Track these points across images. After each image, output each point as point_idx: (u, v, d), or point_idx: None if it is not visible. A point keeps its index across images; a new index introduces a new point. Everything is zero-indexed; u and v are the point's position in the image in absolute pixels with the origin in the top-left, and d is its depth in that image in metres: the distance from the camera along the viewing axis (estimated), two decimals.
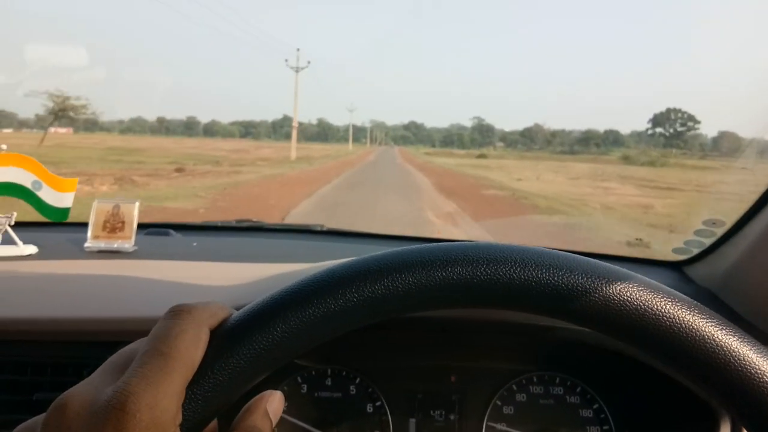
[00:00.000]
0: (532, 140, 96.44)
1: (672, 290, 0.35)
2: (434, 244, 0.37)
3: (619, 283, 0.33)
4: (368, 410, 0.73)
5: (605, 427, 0.73)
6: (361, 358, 0.75)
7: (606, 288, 0.33)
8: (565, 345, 0.72)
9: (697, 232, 0.83)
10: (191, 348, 0.30)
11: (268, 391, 0.36)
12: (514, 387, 0.75)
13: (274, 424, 0.35)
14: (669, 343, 0.33)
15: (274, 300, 0.34)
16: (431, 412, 0.73)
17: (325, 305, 0.33)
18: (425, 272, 0.34)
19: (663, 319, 0.33)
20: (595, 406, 0.74)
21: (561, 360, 0.75)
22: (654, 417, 0.72)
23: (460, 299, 0.35)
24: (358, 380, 0.74)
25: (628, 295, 0.33)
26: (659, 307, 0.33)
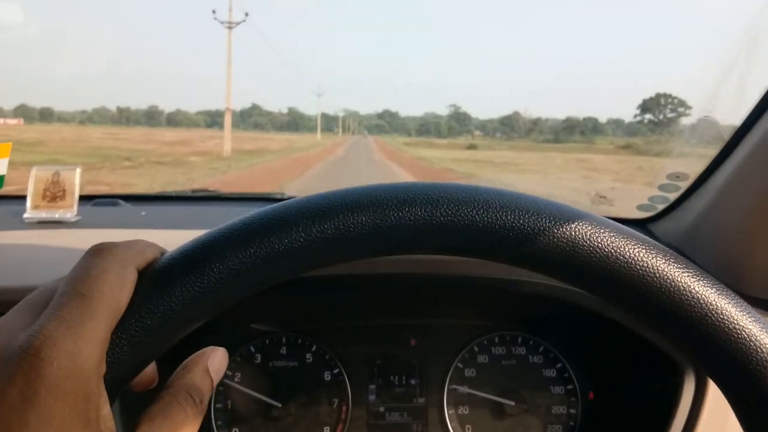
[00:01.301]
0: (512, 128, 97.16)
1: (644, 236, 0.33)
2: (393, 183, 0.35)
3: (587, 226, 0.32)
4: (326, 378, 0.74)
5: (569, 386, 0.75)
6: (317, 320, 0.75)
7: (574, 231, 0.31)
8: (526, 302, 0.73)
9: (662, 187, 0.85)
10: (115, 289, 0.28)
11: (210, 347, 0.35)
12: (476, 348, 0.76)
13: (215, 383, 0.33)
14: (640, 292, 0.31)
15: (211, 238, 0.31)
16: (391, 377, 0.74)
17: (268, 245, 0.31)
18: (380, 212, 0.32)
19: (633, 266, 0.31)
20: (559, 365, 0.76)
21: (523, 319, 0.77)
22: (617, 374, 0.74)
23: (417, 243, 0.33)
24: (314, 347, 0.74)
25: (597, 239, 0.31)
26: (630, 253, 0.31)
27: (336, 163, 18.90)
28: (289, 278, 0.33)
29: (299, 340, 0.75)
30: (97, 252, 0.30)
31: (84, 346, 0.26)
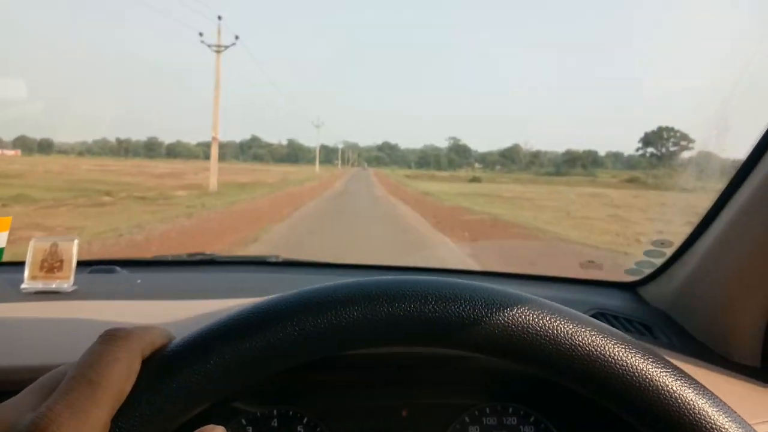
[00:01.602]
0: (513, 161, 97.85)
1: (569, 310, 0.37)
2: (382, 278, 0.37)
3: (525, 314, 0.35)
4: None
5: None
6: (308, 398, 0.76)
7: (511, 318, 0.35)
8: (516, 375, 0.75)
9: (647, 253, 0.88)
10: (122, 378, 0.30)
11: (210, 426, 0.35)
12: (467, 419, 0.76)
13: None
14: (573, 366, 0.35)
15: (210, 332, 0.34)
16: None
17: (263, 338, 0.33)
18: (370, 308, 0.34)
19: (562, 340, 0.35)
20: None
21: (513, 391, 0.78)
22: None
23: (410, 338, 0.36)
24: (305, 420, 0.75)
25: (531, 321, 0.35)
26: (558, 329, 0.35)
27: (333, 201, 16.38)
28: (282, 368, 0.35)
29: (290, 413, 0.75)
30: (111, 339, 0.31)
31: (86, 431, 0.27)
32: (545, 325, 0.35)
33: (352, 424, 0.75)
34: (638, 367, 0.35)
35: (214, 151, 21.46)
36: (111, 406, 0.29)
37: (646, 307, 0.89)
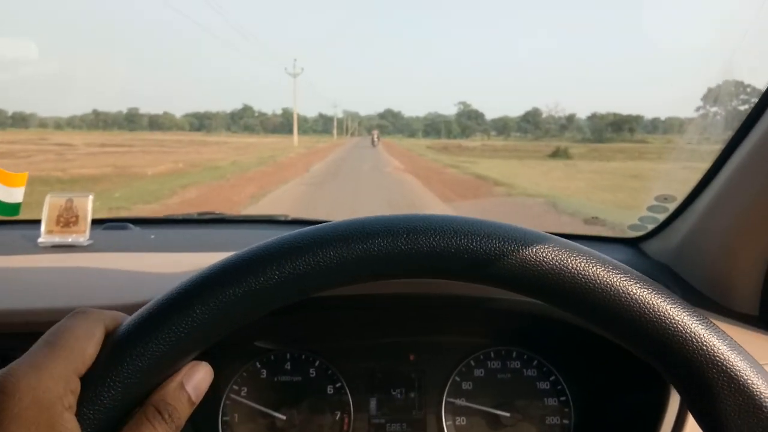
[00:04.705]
0: (536, 126, 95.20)
1: (589, 249, 0.41)
2: (354, 218, 0.42)
3: (535, 246, 0.39)
4: (329, 392, 0.86)
5: (562, 398, 0.87)
6: (320, 339, 0.87)
7: (522, 250, 0.38)
8: (518, 319, 0.85)
9: (650, 208, 0.97)
10: (81, 340, 0.36)
11: (191, 363, 0.40)
12: (472, 363, 0.88)
13: (194, 398, 0.39)
14: (588, 301, 0.39)
15: (164, 301, 0.38)
16: (391, 390, 0.86)
17: (236, 289, 0.38)
18: (345, 246, 0.38)
19: (579, 277, 0.38)
20: (552, 378, 0.88)
21: (518, 334, 0.88)
22: (609, 386, 0.85)
23: (383, 271, 0.40)
24: (317, 363, 0.87)
25: (544, 255, 0.39)
26: (574, 265, 0.38)
27: None
28: (266, 312, 0.40)
29: (303, 356, 0.87)
30: (73, 314, 0.39)
31: (43, 381, 0.33)
32: (546, 255, 0.39)
33: (361, 367, 0.87)
34: (647, 300, 0.38)
35: None
36: (70, 362, 0.35)
37: (649, 261, 0.98)
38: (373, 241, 0.39)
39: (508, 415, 0.84)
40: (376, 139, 42.68)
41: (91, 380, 0.35)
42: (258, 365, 0.86)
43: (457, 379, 0.87)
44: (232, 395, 0.85)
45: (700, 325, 0.38)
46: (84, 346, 0.36)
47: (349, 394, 0.86)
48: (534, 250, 0.39)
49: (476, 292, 0.78)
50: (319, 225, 0.41)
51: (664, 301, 0.38)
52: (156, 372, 0.37)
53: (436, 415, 0.85)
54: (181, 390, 0.38)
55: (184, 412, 0.38)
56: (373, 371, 0.87)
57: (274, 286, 0.38)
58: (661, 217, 0.97)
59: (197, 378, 0.40)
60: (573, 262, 0.39)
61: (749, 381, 0.37)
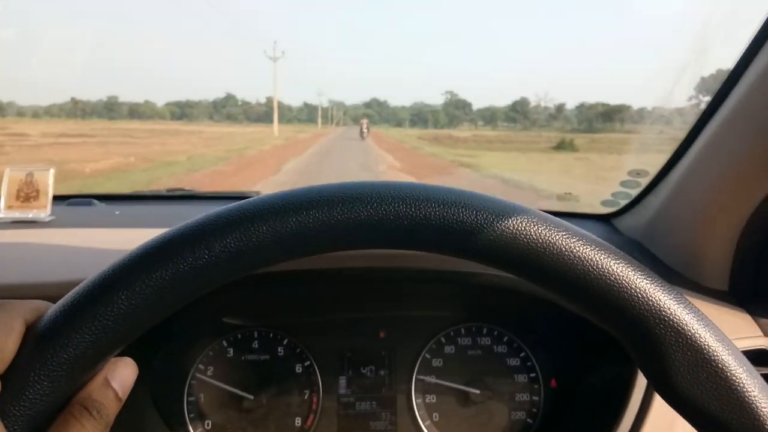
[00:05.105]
0: (525, 116, 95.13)
1: (563, 222, 0.40)
2: (340, 183, 0.40)
3: (510, 217, 0.38)
4: (297, 370, 0.86)
5: (532, 375, 0.87)
6: (288, 314, 0.87)
7: (497, 222, 0.37)
8: (489, 294, 0.85)
9: (623, 183, 0.98)
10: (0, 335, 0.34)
11: (114, 359, 0.39)
12: (443, 339, 0.88)
13: (121, 393, 0.38)
14: (560, 274, 0.38)
15: (89, 286, 0.36)
16: (361, 368, 0.86)
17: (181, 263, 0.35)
18: (279, 220, 0.36)
19: (552, 249, 0.37)
20: (522, 355, 0.88)
21: (488, 310, 0.89)
22: (578, 362, 0.86)
23: (364, 239, 0.38)
24: (285, 341, 0.86)
25: (518, 227, 0.38)
26: (548, 237, 0.37)
27: None
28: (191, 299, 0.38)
29: (271, 334, 0.87)
30: None
31: None
32: (515, 225, 0.38)
33: (331, 345, 0.87)
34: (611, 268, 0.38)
35: None
36: None
37: (620, 238, 0.99)
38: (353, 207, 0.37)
39: (478, 392, 0.85)
40: (365, 130, 34.64)
41: (13, 377, 0.34)
42: (224, 344, 0.86)
43: (428, 356, 0.87)
44: (198, 375, 0.84)
45: (645, 281, 0.37)
46: (3, 342, 0.34)
47: (318, 373, 0.86)
48: (508, 221, 0.38)
49: (441, 266, 0.78)
50: (258, 197, 0.39)
51: (612, 260, 0.38)
52: (82, 364, 0.35)
53: (406, 393, 0.86)
54: (107, 387, 0.37)
55: (111, 408, 0.37)
56: (342, 349, 0.87)
57: (204, 267, 0.35)
58: (634, 192, 0.98)
59: (122, 374, 0.38)
60: (548, 234, 0.38)
61: (696, 335, 0.36)
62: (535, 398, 0.87)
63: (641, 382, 0.75)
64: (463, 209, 0.38)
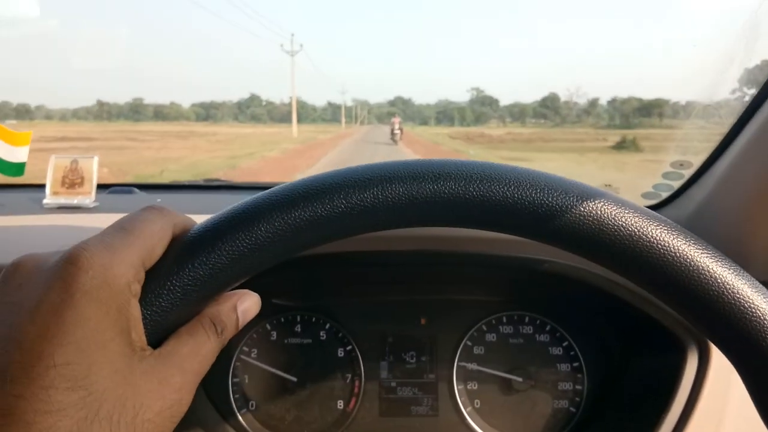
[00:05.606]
0: (556, 112, 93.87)
1: (664, 218, 0.39)
2: (427, 159, 0.40)
3: (612, 207, 0.37)
4: (339, 354, 0.87)
5: (575, 364, 0.88)
6: (333, 296, 0.89)
7: (599, 210, 0.37)
8: (533, 282, 0.86)
9: (665, 175, 0.97)
10: (155, 235, 0.36)
11: (243, 290, 0.41)
12: (484, 327, 0.89)
13: (242, 321, 0.41)
14: (660, 270, 0.37)
15: (239, 210, 0.39)
16: (402, 354, 0.87)
17: (307, 212, 0.37)
18: (416, 184, 0.38)
19: (655, 245, 0.37)
20: (565, 344, 0.88)
21: (530, 298, 0.89)
22: (623, 351, 0.86)
23: (451, 216, 0.39)
24: (327, 325, 0.88)
25: (622, 218, 0.37)
26: (651, 232, 0.37)
27: None
28: (314, 247, 0.40)
29: (313, 318, 0.88)
30: (149, 207, 0.40)
31: (117, 264, 0.33)
32: (590, 208, 0.38)
33: (373, 330, 0.88)
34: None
35: None
36: (141, 252, 0.35)
37: None
38: (446, 183, 0.38)
39: (520, 380, 0.85)
40: (397, 131, 28.07)
41: (154, 278, 0.36)
42: (268, 327, 0.88)
43: (469, 343, 0.88)
44: (242, 357, 0.86)
45: (760, 297, 0.36)
46: (156, 243, 0.36)
47: (360, 358, 0.87)
48: (610, 211, 0.37)
49: (488, 251, 0.78)
50: (389, 162, 0.40)
51: (742, 281, 0.37)
52: (212, 284, 0.37)
53: (447, 380, 0.87)
54: (233, 311, 0.40)
55: (231, 332, 0.40)
56: (384, 334, 0.88)
57: (339, 216, 0.37)
58: (677, 184, 0.97)
59: (248, 304, 0.41)
60: (650, 229, 0.37)
61: None
62: (579, 387, 0.87)
63: (689, 373, 0.74)
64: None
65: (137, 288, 0.34)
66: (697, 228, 0.91)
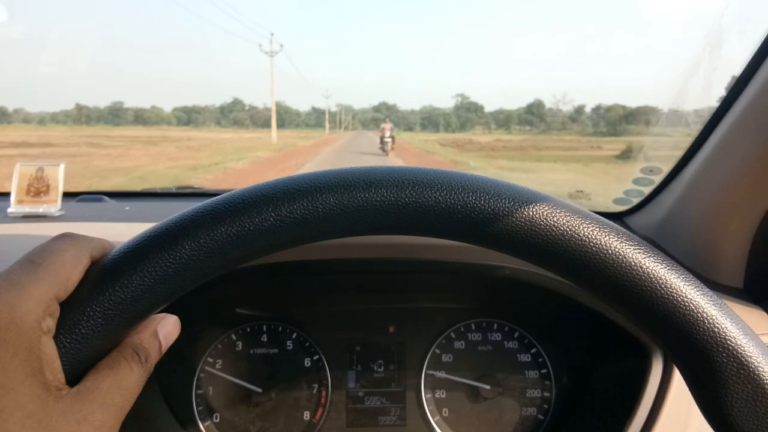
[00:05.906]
0: (541, 119, 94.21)
1: (600, 217, 0.39)
2: (359, 166, 0.40)
3: (544, 207, 0.37)
4: (306, 364, 0.87)
5: (543, 371, 0.88)
6: (300, 305, 0.89)
7: (532, 212, 0.37)
8: (500, 288, 0.86)
9: (636, 181, 0.99)
10: (67, 264, 0.35)
11: (161, 314, 0.41)
12: (453, 335, 0.89)
13: (164, 347, 0.40)
14: (594, 268, 0.37)
15: (160, 229, 0.37)
16: (370, 363, 0.88)
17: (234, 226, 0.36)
18: (347, 194, 0.37)
19: (588, 244, 0.37)
20: (533, 350, 0.89)
21: (498, 306, 0.90)
22: (589, 357, 0.87)
23: (384, 223, 0.38)
24: (294, 335, 0.88)
25: (554, 219, 0.37)
26: (585, 232, 0.37)
27: None
28: (251, 258, 0.39)
29: (280, 328, 0.88)
30: (61, 236, 0.38)
31: (24, 301, 0.32)
32: (535, 212, 0.38)
33: (340, 339, 0.88)
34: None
35: None
36: (52, 285, 0.34)
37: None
38: (377, 191, 0.38)
39: (488, 387, 0.86)
40: (388, 139, 23.87)
41: (71, 308, 0.35)
42: (233, 337, 0.88)
43: (437, 351, 0.89)
44: (207, 368, 0.86)
45: (712, 306, 0.37)
46: (69, 272, 0.35)
47: (327, 367, 0.87)
48: (542, 211, 0.37)
49: (452, 257, 0.79)
50: (321, 171, 0.40)
51: (678, 278, 0.37)
52: (136, 308, 0.36)
53: (415, 388, 0.87)
54: (154, 337, 0.39)
55: (155, 359, 0.39)
56: (351, 343, 0.88)
57: (269, 230, 0.37)
58: (647, 190, 0.99)
59: (168, 328, 0.41)
60: (584, 228, 0.37)
61: (760, 368, 0.36)
62: (547, 394, 0.88)
63: (654, 379, 0.75)
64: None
65: (50, 323, 0.33)
66: (666, 234, 0.92)
